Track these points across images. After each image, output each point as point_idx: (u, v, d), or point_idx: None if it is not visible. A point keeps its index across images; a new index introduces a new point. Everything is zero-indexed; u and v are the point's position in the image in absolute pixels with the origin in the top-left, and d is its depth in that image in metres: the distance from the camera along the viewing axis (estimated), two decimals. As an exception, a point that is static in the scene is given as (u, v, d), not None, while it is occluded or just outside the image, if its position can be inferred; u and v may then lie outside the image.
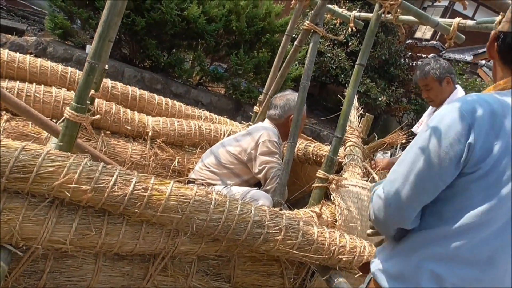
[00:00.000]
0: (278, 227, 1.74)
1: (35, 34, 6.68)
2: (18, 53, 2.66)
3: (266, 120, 2.74)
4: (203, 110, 3.30)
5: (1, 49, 2.55)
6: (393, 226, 1.19)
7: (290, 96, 2.69)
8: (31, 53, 5.51)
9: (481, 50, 14.19)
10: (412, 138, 3.14)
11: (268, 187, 2.44)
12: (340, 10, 3.09)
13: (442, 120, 1.08)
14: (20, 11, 7.63)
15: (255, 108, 3.13)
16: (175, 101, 3.16)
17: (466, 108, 1.07)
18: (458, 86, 2.96)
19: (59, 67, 2.71)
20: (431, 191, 1.11)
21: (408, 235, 1.19)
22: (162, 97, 3.11)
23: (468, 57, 14.25)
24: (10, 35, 5.93)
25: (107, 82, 2.84)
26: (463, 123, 1.05)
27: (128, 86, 2.97)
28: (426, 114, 3.23)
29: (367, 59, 2.22)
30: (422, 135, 1.11)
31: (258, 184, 2.61)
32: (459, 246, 1.09)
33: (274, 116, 2.68)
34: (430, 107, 3.13)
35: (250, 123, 3.13)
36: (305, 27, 2.49)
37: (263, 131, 2.55)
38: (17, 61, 2.56)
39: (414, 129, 3.27)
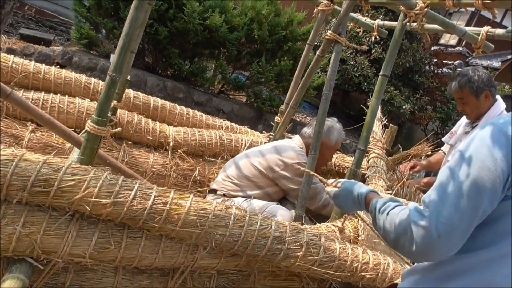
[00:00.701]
0: (299, 243, 1.71)
1: (62, 44, 6.83)
2: (45, 63, 2.72)
3: (297, 137, 2.72)
4: (224, 120, 3.30)
5: (27, 60, 2.60)
6: (438, 257, 1.10)
7: (330, 124, 2.68)
8: (57, 63, 5.64)
9: (509, 56, 13.83)
10: (439, 148, 3.02)
11: (314, 206, 2.54)
12: (363, 19, 3.04)
13: (485, 141, 1.03)
14: (48, 22, 7.82)
15: (276, 118, 3.10)
16: (196, 111, 3.17)
17: (510, 128, 1.02)
18: (498, 97, 2.76)
19: (83, 78, 2.74)
20: (481, 217, 1.04)
21: (442, 260, 1.13)
22: (183, 107, 3.12)
23: (496, 63, 13.89)
24: (38, 45, 6.07)
25: (129, 92, 2.86)
26: (508, 143, 1.01)
27: (149, 96, 2.99)
28: (461, 125, 3.05)
29: (391, 70, 2.17)
30: (465, 158, 1.05)
31: (280, 199, 2.60)
32: (497, 271, 1.04)
33: (305, 134, 2.70)
34: (465, 118, 2.97)
35: (272, 133, 3.10)
36: (327, 37, 2.46)
37: (292, 152, 2.55)
38: (42, 72, 2.60)
39: (445, 139, 3.15)
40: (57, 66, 5.43)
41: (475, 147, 1.04)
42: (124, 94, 2.70)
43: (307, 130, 2.69)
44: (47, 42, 6.43)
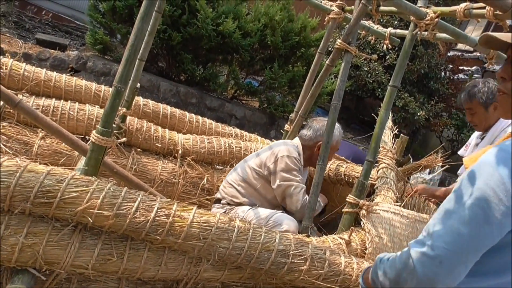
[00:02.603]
0: (303, 257, 1.68)
1: (77, 48, 6.91)
2: (60, 67, 2.76)
3: (297, 139, 2.71)
4: (233, 127, 3.29)
5: (39, 68, 2.63)
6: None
7: None
8: (72, 68, 5.70)
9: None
10: (451, 160, 2.95)
11: (293, 207, 2.43)
12: (375, 27, 3.01)
13: (496, 167, 0.97)
14: (64, 27, 7.92)
15: (286, 127, 3.08)
16: (205, 118, 3.17)
17: None
18: None
19: (93, 85, 2.77)
20: (488, 246, 0.99)
21: None
22: (193, 115, 3.13)
23: (514, 70, 13.57)
24: (53, 50, 6.16)
25: (139, 100, 2.88)
26: None
27: (159, 104, 3.00)
28: (473, 137, 3.02)
29: (400, 81, 2.14)
30: (474, 183, 0.99)
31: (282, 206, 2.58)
32: None
33: (304, 137, 2.66)
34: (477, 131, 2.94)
35: (281, 141, 3.08)
36: (337, 46, 2.43)
37: (283, 146, 2.54)
38: (53, 80, 2.63)
39: (460, 152, 3.10)
40: (71, 71, 5.51)
41: (486, 173, 0.98)
42: (133, 102, 2.72)
43: (307, 133, 2.66)
44: (62, 47, 6.51)
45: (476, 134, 2.97)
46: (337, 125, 2.63)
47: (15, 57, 2.70)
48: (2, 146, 2.32)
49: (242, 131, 3.29)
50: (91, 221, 1.44)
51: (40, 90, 2.59)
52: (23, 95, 2.50)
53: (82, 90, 2.70)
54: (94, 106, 2.69)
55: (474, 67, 11.15)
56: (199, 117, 3.16)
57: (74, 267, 1.48)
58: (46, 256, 1.44)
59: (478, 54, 15.26)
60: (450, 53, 9.73)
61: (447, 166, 2.90)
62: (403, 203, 2.40)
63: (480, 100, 2.60)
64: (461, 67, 9.30)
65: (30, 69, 2.57)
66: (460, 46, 16.08)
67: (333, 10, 2.75)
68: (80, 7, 8.24)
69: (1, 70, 2.46)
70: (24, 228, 1.42)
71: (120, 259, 1.53)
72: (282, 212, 2.44)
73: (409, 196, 2.42)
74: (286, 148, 2.52)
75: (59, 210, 1.43)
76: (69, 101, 2.63)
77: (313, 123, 2.67)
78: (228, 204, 2.51)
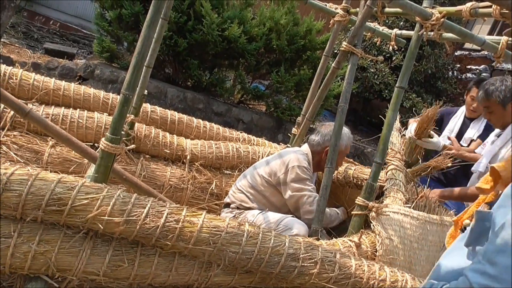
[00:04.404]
0: (313, 260, 1.68)
1: (84, 57, 6.98)
2: (68, 76, 2.79)
3: (306, 145, 2.70)
4: (241, 132, 3.30)
5: (48, 78, 2.66)
6: None
7: None
8: (80, 76, 5.76)
9: (536, 60, 13.37)
10: (460, 161, 2.90)
11: (307, 216, 2.40)
12: (380, 29, 3.01)
13: None
14: (71, 36, 8.02)
15: (293, 130, 3.09)
16: (213, 124, 3.18)
17: None
18: None
19: (101, 93, 2.79)
20: None
21: None
22: (200, 120, 3.14)
23: (523, 68, 13.48)
24: (61, 59, 6.23)
25: (147, 106, 2.90)
26: None
27: (167, 110, 3.02)
28: (492, 135, 3.00)
29: (407, 81, 2.13)
30: None
31: (290, 212, 2.57)
32: None
33: (312, 142, 2.65)
34: (497, 129, 2.91)
35: (289, 145, 3.09)
36: (343, 48, 2.44)
37: (293, 154, 2.53)
38: (62, 88, 2.66)
39: (478, 150, 3.08)
40: (80, 80, 5.57)
41: None
42: (141, 108, 2.74)
43: (315, 138, 2.64)
44: (70, 56, 6.59)
45: (495, 132, 2.94)
46: (346, 130, 2.61)
47: (24, 67, 2.73)
48: (13, 155, 2.34)
49: (250, 136, 3.30)
50: (102, 227, 1.46)
51: (50, 99, 2.62)
52: (33, 105, 2.54)
53: (90, 98, 2.73)
54: (103, 114, 2.72)
55: (482, 66, 11.07)
56: (207, 122, 3.17)
57: (86, 273, 1.50)
58: (58, 263, 1.46)
59: (486, 52, 15.12)
60: (458, 53, 9.68)
61: (457, 166, 2.88)
62: (413, 204, 2.38)
63: (498, 98, 2.57)
64: (469, 66, 9.24)
65: (39, 79, 2.60)
66: (468, 45, 15.93)
67: (338, 13, 2.76)
68: (87, 16, 8.33)
69: (12, 80, 2.50)
70: (36, 235, 1.44)
71: (131, 265, 1.55)
72: (292, 216, 2.44)
73: (420, 197, 2.40)
74: (296, 158, 2.50)
75: (70, 217, 1.44)
76: (78, 109, 2.65)
77: (321, 128, 2.66)
78: (238, 208, 2.52)
